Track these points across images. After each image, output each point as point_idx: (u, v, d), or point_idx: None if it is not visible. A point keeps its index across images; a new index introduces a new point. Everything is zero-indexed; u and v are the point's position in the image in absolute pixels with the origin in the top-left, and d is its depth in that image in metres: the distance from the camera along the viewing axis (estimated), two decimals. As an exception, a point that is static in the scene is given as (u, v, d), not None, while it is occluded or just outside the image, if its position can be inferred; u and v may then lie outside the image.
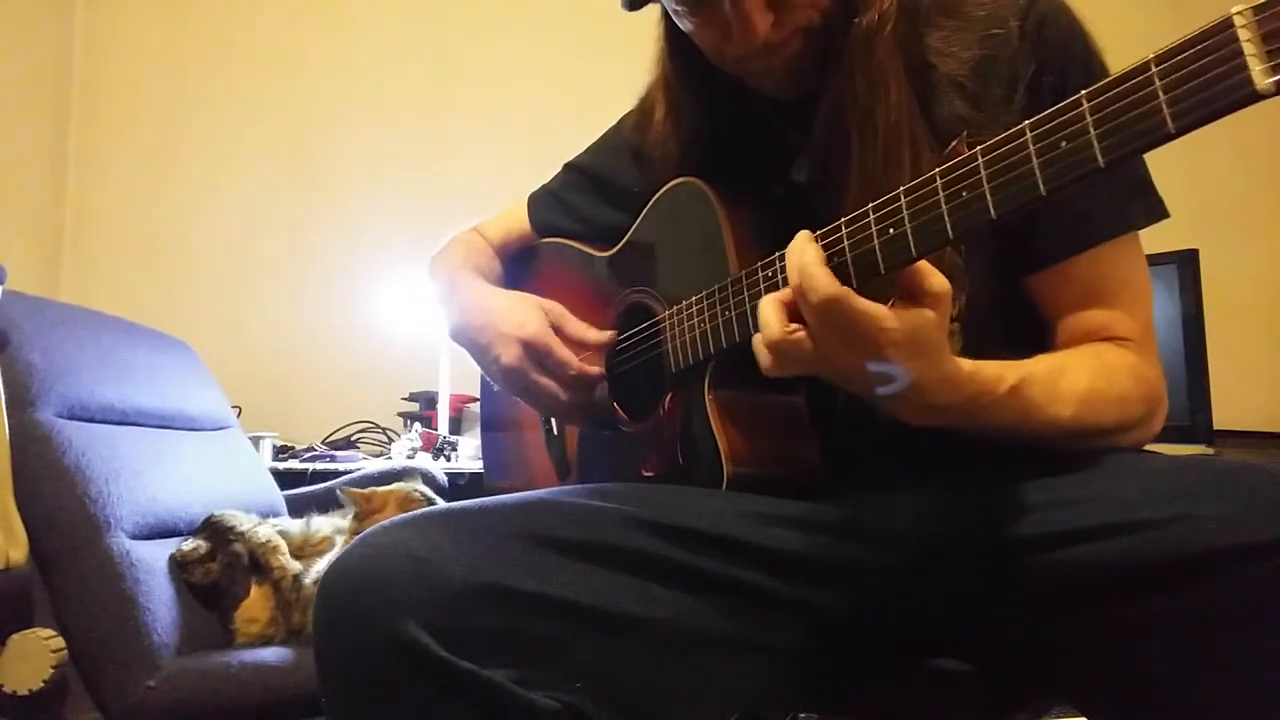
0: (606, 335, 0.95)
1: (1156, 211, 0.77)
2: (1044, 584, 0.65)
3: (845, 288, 0.62)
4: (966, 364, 0.68)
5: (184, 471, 1.53)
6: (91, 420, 1.42)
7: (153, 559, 1.33)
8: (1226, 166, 2.36)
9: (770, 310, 0.66)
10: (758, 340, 0.68)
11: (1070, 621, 0.65)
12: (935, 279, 0.63)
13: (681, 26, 0.82)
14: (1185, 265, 1.93)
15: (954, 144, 0.60)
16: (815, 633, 0.73)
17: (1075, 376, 0.72)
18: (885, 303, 0.63)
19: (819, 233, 0.68)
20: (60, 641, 1.16)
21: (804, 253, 0.64)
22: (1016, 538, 0.67)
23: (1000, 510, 0.69)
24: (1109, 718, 0.67)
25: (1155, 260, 1.90)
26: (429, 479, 1.74)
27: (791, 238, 0.72)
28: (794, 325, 0.65)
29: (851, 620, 0.74)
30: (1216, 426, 1.91)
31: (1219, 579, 0.57)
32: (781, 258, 0.73)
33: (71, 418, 1.38)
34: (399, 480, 1.63)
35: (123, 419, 1.50)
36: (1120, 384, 0.74)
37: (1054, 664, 0.69)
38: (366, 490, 1.50)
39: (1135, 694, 0.63)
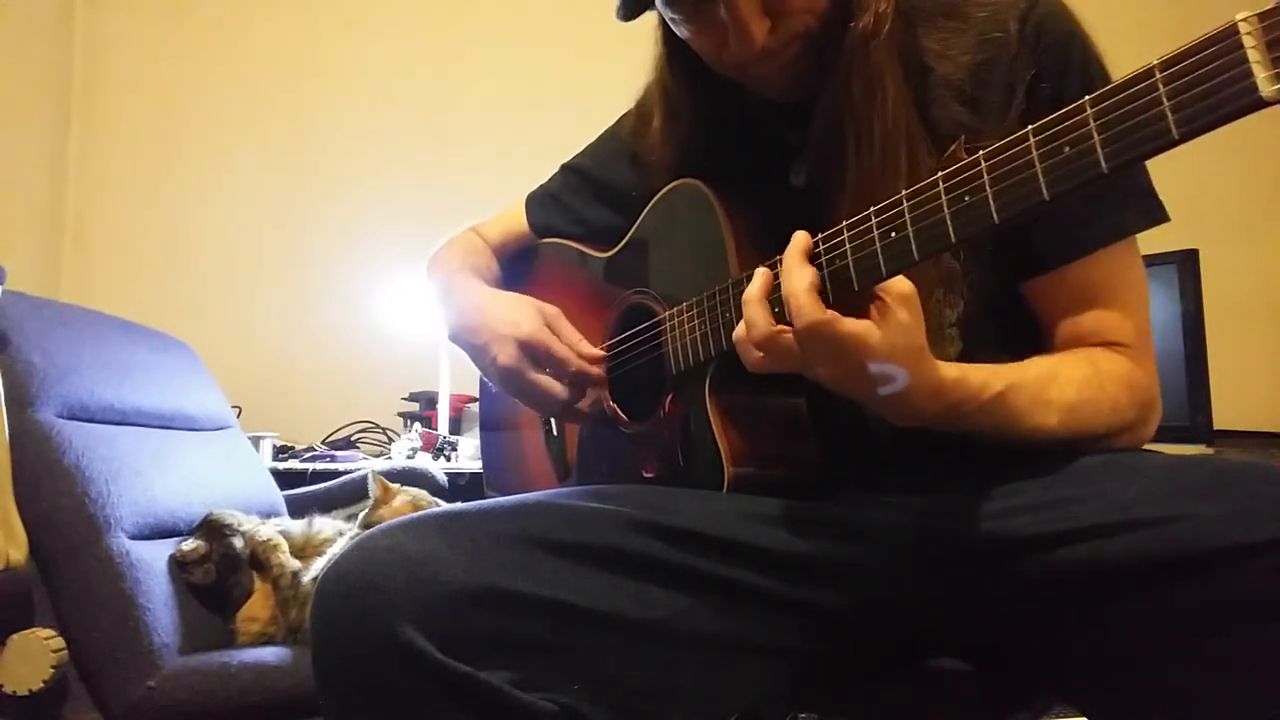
0: (598, 351, 0.94)
1: (1156, 215, 0.77)
2: (1043, 584, 0.65)
3: (831, 313, 0.64)
4: (951, 370, 0.68)
5: (184, 471, 1.53)
6: (91, 420, 1.42)
7: (153, 559, 1.33)
8: (1226, 166, 2.35)
9: (758, 310, 0.68)
10: (741, 333, 0.69)
11: (1070, 621, 0.65)
12: (898, 282, 0.64)
13: (678, 34, 0.82)
14: (1185, 265, 1.92)
15: (952, 149, 0.60)
16: (814, 633, 0.73)
17: (1065, 385, 0.73)
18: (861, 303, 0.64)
19: (821, 235, 0.68)
20: (60, 641, 1.16)
21: (797, 279, 0.65)
22: (1015, 537, 0.67)
23: (999, 510, 0.69)
24: (1109, 718, 0.67)
25: (1155, 260, 1.90)
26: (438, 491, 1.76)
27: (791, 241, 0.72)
28: (780, 327, 0.66)
29: (850, 620, 0.74)
30: (1216, 426, 1.91)
31: (1218, 578, 0.57)
32: (782, 260, 0.73)
33: (71, 418, 1.38)
34: (419, 482, 1.67)
35: (123, 419, 1.50)
36: (1111, 391, 0.74)
37: (1054, 664, 0.69)
38: (393, 484, 1.54)
39: (1135, 694, 0.62)
